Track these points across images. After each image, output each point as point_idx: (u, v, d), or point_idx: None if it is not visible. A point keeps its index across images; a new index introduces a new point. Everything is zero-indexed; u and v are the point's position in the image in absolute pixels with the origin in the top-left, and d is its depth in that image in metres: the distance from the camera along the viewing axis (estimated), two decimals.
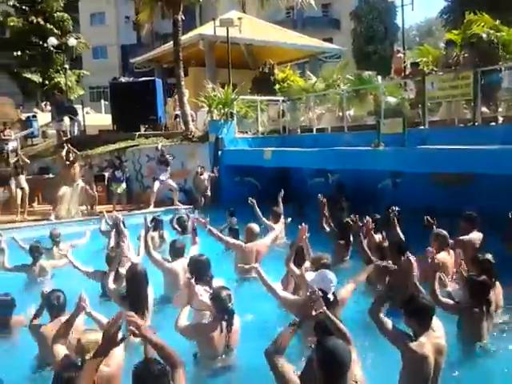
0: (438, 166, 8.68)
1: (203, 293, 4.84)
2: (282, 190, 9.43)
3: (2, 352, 4.78)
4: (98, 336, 3.57)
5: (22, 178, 12.61)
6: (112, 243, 7.03)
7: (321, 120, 14.54)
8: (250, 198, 8.93)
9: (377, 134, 9.84)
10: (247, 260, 6.88)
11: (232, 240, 7.35)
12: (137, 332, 2.76)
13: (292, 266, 5.31)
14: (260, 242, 7.18)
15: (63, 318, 4.27)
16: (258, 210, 8.75)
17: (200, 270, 5.32)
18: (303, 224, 5.37)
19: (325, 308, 3.31)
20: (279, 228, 9.06)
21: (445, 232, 6.06)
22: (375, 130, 10.05)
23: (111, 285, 5.13)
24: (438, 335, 3.61)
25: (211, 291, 4.55)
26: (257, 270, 4.85)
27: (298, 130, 14.99)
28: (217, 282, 5.41)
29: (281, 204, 9.24)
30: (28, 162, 13.42)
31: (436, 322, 3.69)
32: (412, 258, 4.78)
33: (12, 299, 5.25)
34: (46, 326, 4.43)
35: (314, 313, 3.23)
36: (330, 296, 3.98)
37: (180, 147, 14.64)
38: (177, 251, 6.20)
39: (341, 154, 10.70)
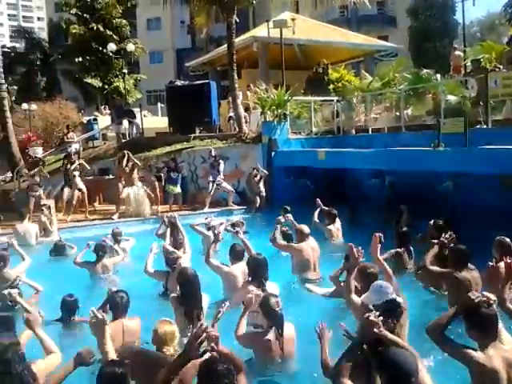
0: (506, 166, 8.21)
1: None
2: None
3: (67, 347, 4.95)
4: (172, 327, 3.77)
5: (79, 180, 13.18)
6: (168, 243, 7.16)
7: (377, 120, 14.23)
8: (317, 199, 9.06)
9: (437, 133, 9.49)
10: (306, 260, 6.89)
11: (283, 242, 7.36)
12: (215, 347, 2.84)
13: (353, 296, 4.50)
14: (311, 241, 7.18)
15: (125, 321, 4.42)
16: (317, 212, 8.85)
17: (256, 269, 5.34)
18: (376, 234, 4.73)
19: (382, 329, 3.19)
20: (336, 226, 9.01)
21: (508, 240, 5.67)
22: (435, 130, 9.70)
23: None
24: (507, 348, 3.41)
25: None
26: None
27: (353, 131, 14.74)
28: (271, 286, 5.41)
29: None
30: (88, 168, 13.98)
31: (505, 334, 3.49)
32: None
33: (75, 300, 5.43)
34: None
35: (376, 330, 3.12)
36: (400, 300, 3.78)
37: (234, 149, 14.77)
38: (237, 254, 6.24)
39: (398, 155, 10.40)
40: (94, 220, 12.52)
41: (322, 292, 6.10)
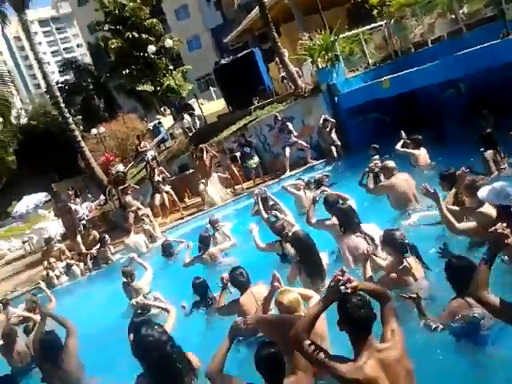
0: None
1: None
2: None
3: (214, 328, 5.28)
4: (295, 294, 3.89)
5: (163, 184, 13.83)
6: (266, 216, 7.34)
7: (433, 30, 13.34)
8: (401, 131, 8.80)
9: (503, 22, 8.76)
10: (402, 194, 6.76)
11: (373, 186, 7.17)
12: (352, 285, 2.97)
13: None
14: (401, 174, 7.00)
15: (253, 289, 4.65)
16: (400, 143, 8.74)
17: (343, 217, 5.39)
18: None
19: None
20: (423, 152, 8.73)
21: None
22: (499, 20, 8.96)
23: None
24: (381, 347, 2.95)
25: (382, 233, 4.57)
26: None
27: (412, 49, 13.95)
28: (369, 227, 5.39)
29: None
30: (169, 175, 14.55)
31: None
32: None
33: (203, 280, 5.88)
34: (239, 300, 4.82)
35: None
36: None
37: (295, 107, 14.63)
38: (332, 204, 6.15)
39: (468, 57, 9.71)
40: (189, 215, 13.14)
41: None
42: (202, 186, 13.05)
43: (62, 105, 17.87)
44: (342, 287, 2.93)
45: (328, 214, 6.02)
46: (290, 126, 13.43)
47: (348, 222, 5.35)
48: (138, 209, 12.82)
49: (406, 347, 2.98)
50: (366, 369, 2.80)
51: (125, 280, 7.06)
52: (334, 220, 5.75)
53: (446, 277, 3.75)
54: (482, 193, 3.94)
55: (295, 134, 13.39)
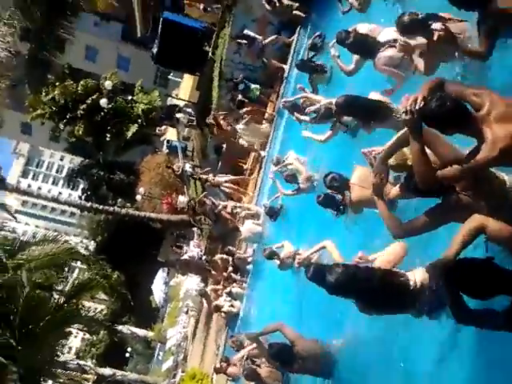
0: None
1: None
2: None
3: None
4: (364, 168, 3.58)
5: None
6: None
7: None
8: None
9: None
10: None
11: None
12: None
13: None
14: None
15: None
16: None
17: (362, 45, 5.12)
18: None
19: None
20: None
21: None
22: None
23: None
24: None
25: None
26: None
27: None
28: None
29: None
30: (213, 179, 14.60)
31: None
32: None
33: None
34: None
35: None
36: None
37: (237, 16, 14.01)
38: None
39: None
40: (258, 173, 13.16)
41: None
42: (241, 141, 12.93)
43: None
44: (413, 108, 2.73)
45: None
46: (250, 32, 12.76)
47: (367, 49, 5.06)
48: (224, 207, 12.99)
49: None
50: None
51: None
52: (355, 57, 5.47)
53: None
54: None
55: (259, 36, 12.73)
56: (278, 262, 7.79)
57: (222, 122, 12.85)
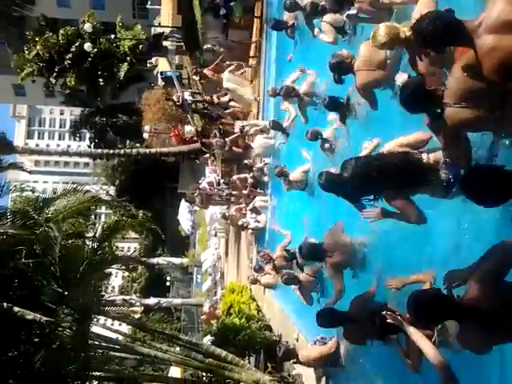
0: None
1: None
2: None
3: None
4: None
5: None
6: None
7: None
8: None
9: None
10: None
11: None
12: None
13: None
14: None
15: None
16: None
17: None
18: None
19: None
20: None
21: None
22: None
23: None
24: None
25: None
26: None
27: None
28: None
29: None
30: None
31: None
32: None
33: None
34: None
35: None
36: None
37: None
38: None
39: None
40: None
41: None
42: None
43: None
44: None
45: None
46: None
47: None
48: (232, 140, 12.82)
49: None
50: None
51: None
52: None
53: None
54: None
55: None
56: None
57: (206, 71, 12.46)
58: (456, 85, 2.86)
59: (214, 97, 13.74)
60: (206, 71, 12.73)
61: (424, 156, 3.47)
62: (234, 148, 12.73)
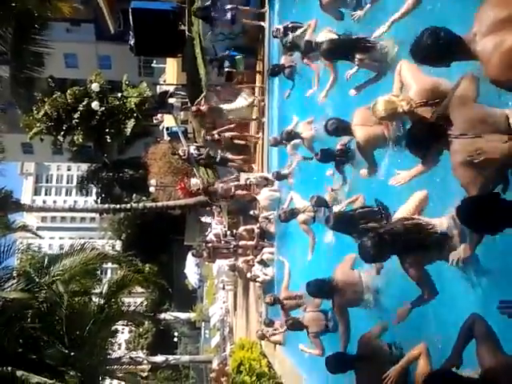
0: None
1: None
2: None
3: None
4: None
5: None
6: None
7: None
8: None
9: None
10: None
11: None
12: None
13: None
14: None
15: None
16: None
17: None
18: None
19: None
20: None
21: None
22: None
23: None
24: None
25: None
26: None
27: None
28: None
29: None
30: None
31: None
32: None
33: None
34: None
35: None
36: None
37: None
38: None
39: None
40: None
41: None
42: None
43: None
44: None
45: None
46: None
47: None
48: (236, 186, 12.91)
49: None
50: None
51: None
52: None
53: None
54: None
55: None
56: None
57: (201, 107, 12.69)
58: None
59: (215, 133, 13.75)
60: (200, 107, 12.87)
61: (436, 222, 3.42)
62: (238, 192, 12.70)
